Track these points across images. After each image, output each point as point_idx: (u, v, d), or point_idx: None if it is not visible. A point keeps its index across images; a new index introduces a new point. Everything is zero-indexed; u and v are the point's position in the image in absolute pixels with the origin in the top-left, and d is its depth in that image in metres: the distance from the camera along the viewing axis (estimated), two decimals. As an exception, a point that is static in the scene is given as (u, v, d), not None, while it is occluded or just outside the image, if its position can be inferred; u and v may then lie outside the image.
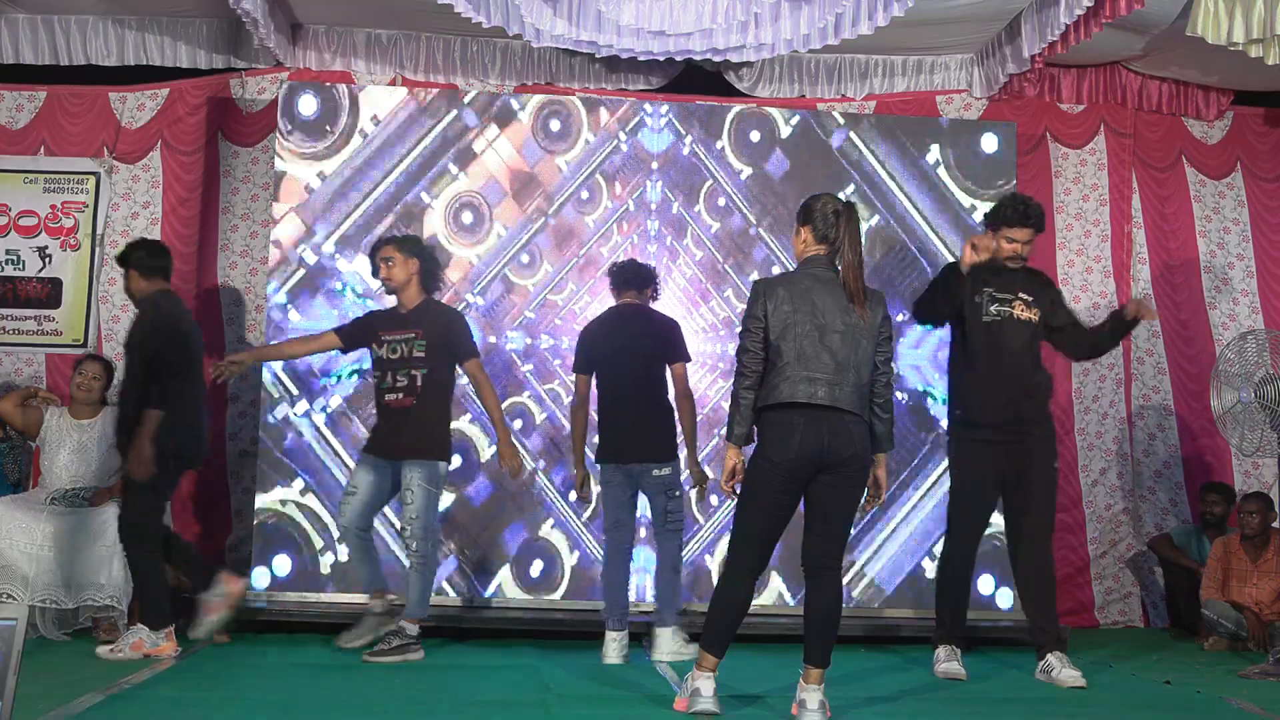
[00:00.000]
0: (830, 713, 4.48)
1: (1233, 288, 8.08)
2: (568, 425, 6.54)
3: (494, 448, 6.41)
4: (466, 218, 7.05)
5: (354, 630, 5.98)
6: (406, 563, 5.90)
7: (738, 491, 4.56)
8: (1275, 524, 6.91)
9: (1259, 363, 6.08)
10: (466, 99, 7.13)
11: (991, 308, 5.66)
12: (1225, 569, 6.91)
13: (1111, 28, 6.76)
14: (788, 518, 4.59)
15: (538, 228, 7.08)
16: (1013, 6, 7.08)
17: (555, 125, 7.14)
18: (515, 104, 7.17)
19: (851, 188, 7.24)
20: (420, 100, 7.09)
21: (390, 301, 6.17)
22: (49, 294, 7.52)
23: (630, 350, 6.00)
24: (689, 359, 6.09)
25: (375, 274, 6.04)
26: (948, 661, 5.65)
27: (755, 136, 7.26)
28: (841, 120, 7.35)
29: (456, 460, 6.34)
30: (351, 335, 6.08)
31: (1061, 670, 5.43)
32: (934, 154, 7.36)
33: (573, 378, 6.21)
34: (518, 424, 6.93)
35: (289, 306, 6.91)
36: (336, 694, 4.89)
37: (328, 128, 6.99)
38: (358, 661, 5.64)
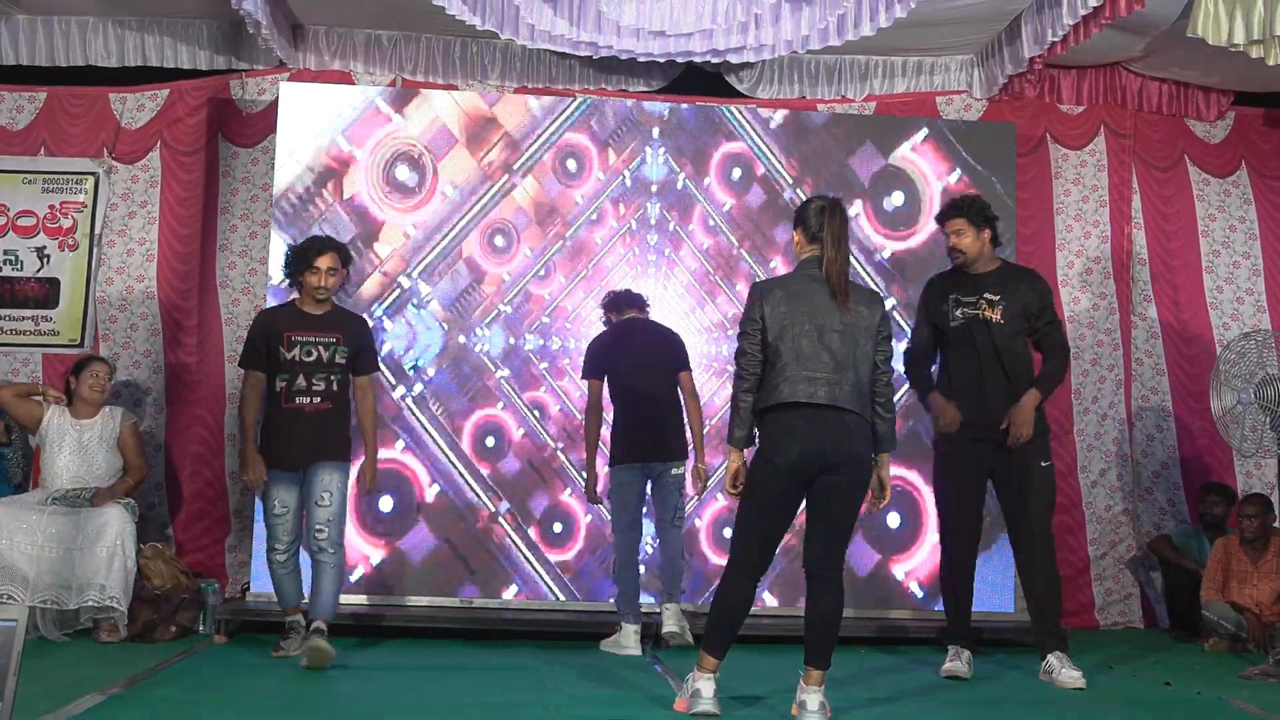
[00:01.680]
0: (830, 714, 4.49)
1: (1237, 286, 8.09)
2: (580, 416, 6.96)
3: (522, 430, 7.10)
4: (499, 241, 7.26)
5: (290, 642, 5.82)
6: (317, 564, 5.68)
7: (740, 493, 4.58)
8: (1275, 525, 6.92)
9: (1261, 363, 6.08)
10: (518, 165, 7.33)
11: (957, 312, 5.74)
12: (1225, 570, 6.92)
13: (1111, 29, 6.78)
14: (790, 519, 4.61)
15: (557, 249, 7.31)
16: (1013, 8, 7.09)
17: (572, 165, 7.36)
18: (547, 159, 7.38)
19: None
20: (486, 170, 7.30)
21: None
22: (46, 294, 7.53)
23: (648, 358, 6.41)
24: (691, 368, 6.54)
25: (299, 273, 5.75)
26: (951, 661, 5.68)
27: (737, 174, 7.40)
28: (788, 180, 7.45)
29: (491, 441, 7.07)
30: (262, 356, 5.74)
31: (1062, 671, 5.46)
32: (855, 207, 7.42)
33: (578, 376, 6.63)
34: (537, 413, 7.18)
35: (383, 318, 7.18)
36: (336, 695, 4.90)
37: (415, 189, 7.26)
38: (357, 663, 5.65)
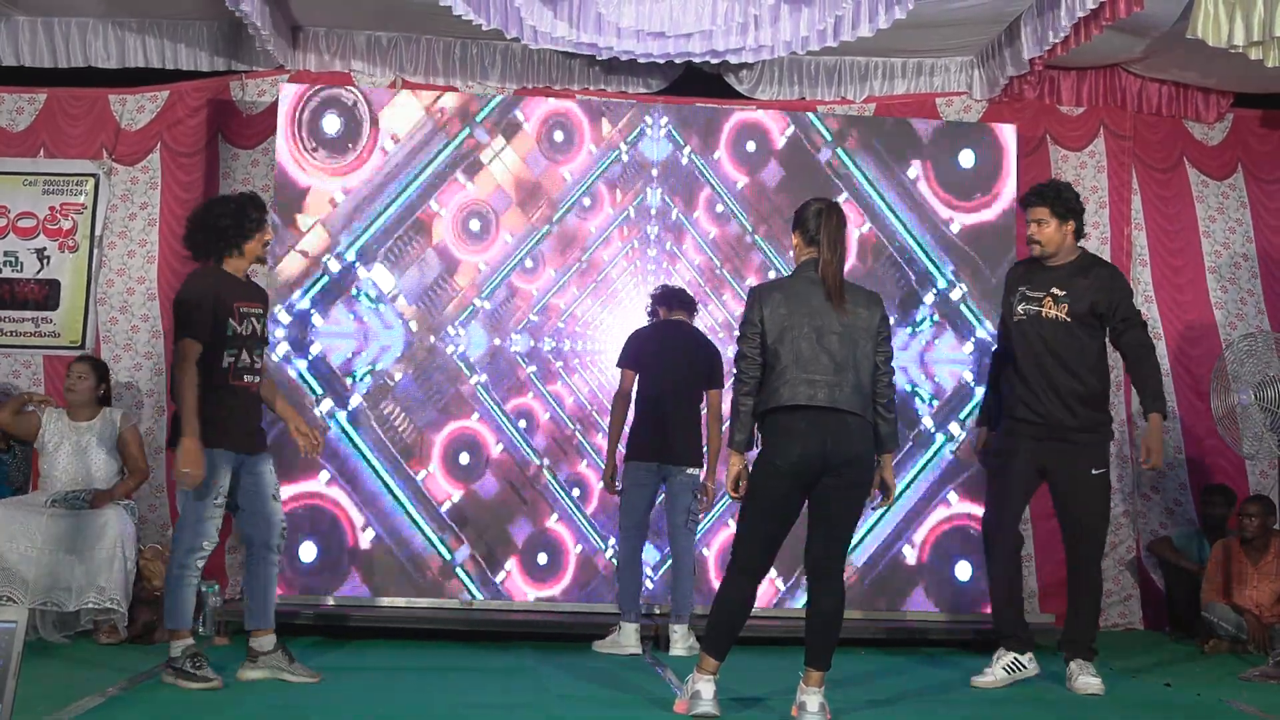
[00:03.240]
0: (830, 715, 4.48)
1: (1240, 287, 8.09)
2: (570, 425, 6.90)
3: (500, 445, 6.86)
4: (474, 225, 7.05)
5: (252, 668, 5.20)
6: (269, 564, 5.18)
7: (742, 496, 4.58)
8: (1276, 527, 6.91)
9: (1262, 364, 6.07)
10: (479, 116, 7.11)
11: (1019, 307, 5.56)
12: (1225, 572, 6.91)
13: (1111, 30, 6.77)
14: (792, 521, 4.60)
15: (542, 234, 7.10)
16: (1012, 9, 7.09)
17: (559, 136, 7.15)
18: (520, 115, 7.17)
19: (845, 196, 7.24)
20: (437, 120, 7.06)
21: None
22: (47, 296, 7.53)
23: (683, 362, 6.34)
24: (724, 387, 6.33)
25: (247, 236, 5.12)
26: (988, 670, 5.53)
27: (751, 146, 7.28)
28: (828, 137, 7.34)
29: (465, 458, 6.85)
30: (209, 327, 4.99)
31: (1078, 678, 5.36)
32: (914, 169, 7.37)
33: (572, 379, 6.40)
34: (522, 424, 6.97)
35: (312, 311, 6.93)
36: (337, 697, 4.89)
37: (350, 145, 7.00)
38: (357, 664, 5.65)
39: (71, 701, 4.51)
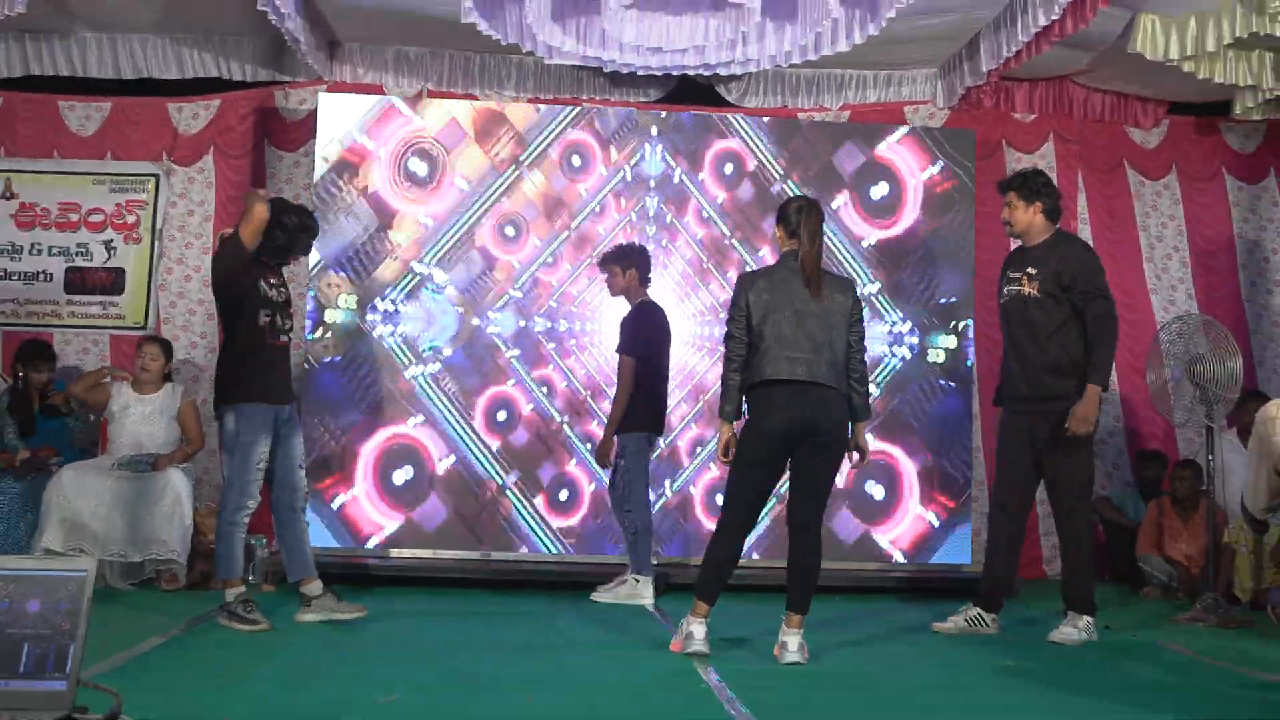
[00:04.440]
0: (808, 653, 4.49)
1: (1172, 276, 8.08)
2: (583, 391, 7.00)
3: (530, 405, 7.01)
4: (510, 231, 7.14)
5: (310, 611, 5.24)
6: (299, 522, 5.26)
7: (730, 461, 4.58)
8: (1203, 488, 6.91)
9: (1192, 344, 6.06)
10: (524, 158, 7.19)
11: (1005, 289, 5.44)
12: (1159, 527, 6.92)
13: (1060, 46, 6.74)
14: (775, 482, 4.62)
15: (563, 238, 7.20)
16: (972, 26, 7.05)
17: (576, 160, 7.25)
18: (552, 152, 7.25)
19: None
20: (493, 161, 7.15)
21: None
22: (113, 282, 7.52)
23: (667, 339, 6.27)
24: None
25: (292, 254, 5.31)
26: (953, 617, 5.46)
27: (729, 169, 7.33)
28: (778, 174, 7.34)
29: (502, 415, 7.01)
30: (248, 269, 5.08)
31: (1058, 628, 5.25)
32: (839, 199, 7.34)
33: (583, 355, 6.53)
34: (544, 389, 7.08)
35: (397, 303, 7.02)
36: (370, 635, 4.90)
37: (429, 180, 7.10)
38: (394, 610, 5.63)
39: (138, 641, 4.52)
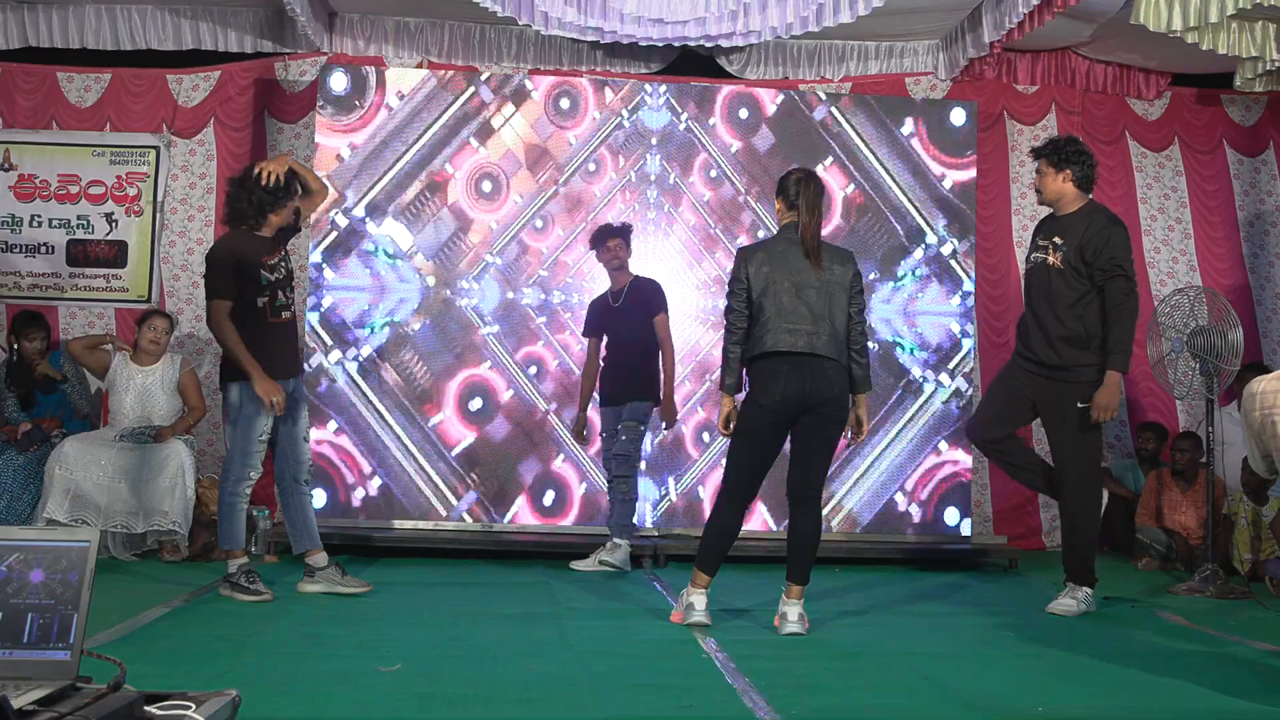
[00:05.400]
0: (808, 624, 4.50)
1: (1172, 248, 8.06)
2: (577, 372, 6.80)
3: (510, 391, 6.80)
4: (486, 186, 6.98)
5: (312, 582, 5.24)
6: (304, 495, 5.22)
7: (731, 432, 4.58)
8: (1202, 460, 6.91)
9: (1193, 315, 6.05)
10: (484, 76, 7.04)
11: (1031, 255, 5.37)
12: (1158, 498, 6.93)
13: (1063, 16, 6.71)
14: (775, 454, 4.61)
15: (549, 196, 7.00)
16: (974, -3, 7.03)
17: (565, 103, 7.07)
18: (529, 84, 7.09)
19: (830, 159, 7.18)
20: (440, 79, 6.99)
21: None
22: (116, 255, 7.50)
23: None
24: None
25: (275, 208, 5.11)
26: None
27: (744, 114, 7.20)
28: (823, 97, 7.28)
29: (478, 402, 6.70)
30: (234, 285, 4.99)
31: (1057, 600, 5.24)
32: (908, 126, 7.27)
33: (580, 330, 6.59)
34: (532, 370, 6.91)
35: (324, 265, 6.85)
36: (372, 606, 4.92)
37: (357, 103, 6.88)
38: (395, 580, 5.65)
39: (140, 611, 4.54)
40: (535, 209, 6.96)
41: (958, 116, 7.30)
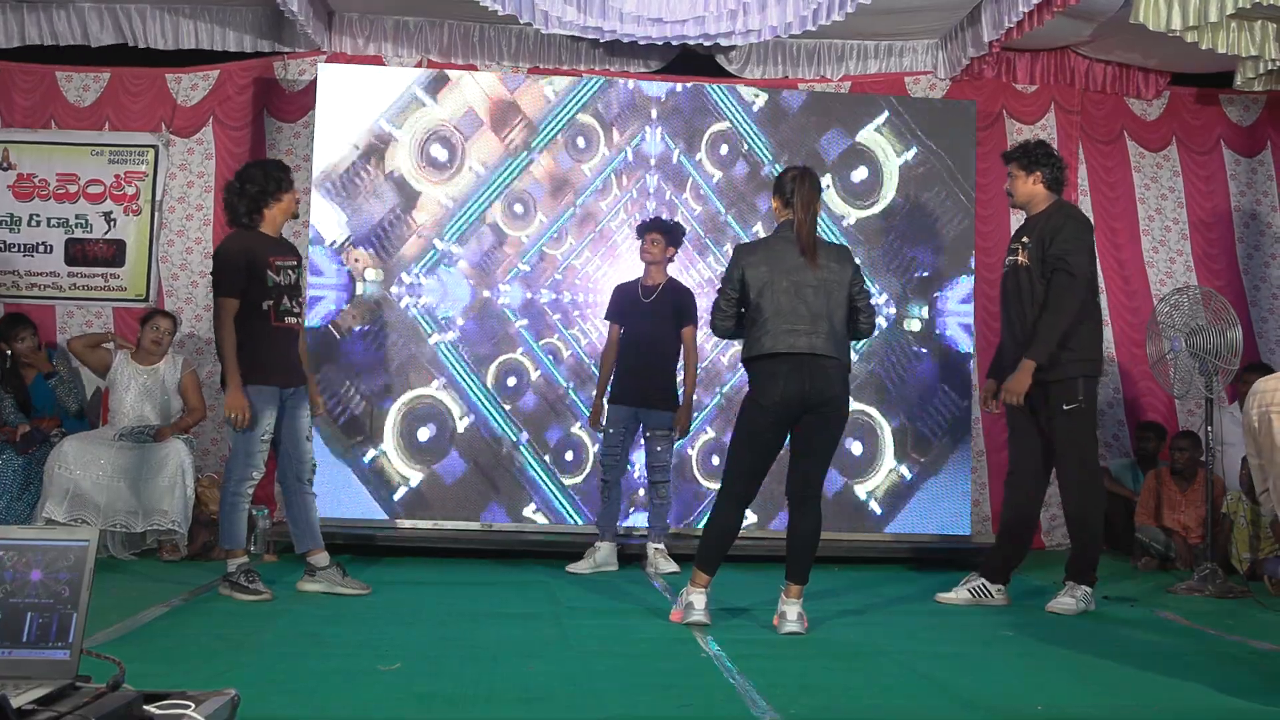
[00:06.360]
0: (807, 623, 4.50)
1: (1170, 248, 8.06)
2: (586, 360, 7.08)
3: (538, 372, 7.08)
4: (518, 209, 7.20)
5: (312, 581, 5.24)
6: (306, 496, 5.21)
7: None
8: (1201, 459, 6.92)
9: (1193, 315, 6.05)
10: (535, 146, 7.25)
11: (1006, 259, 5.39)
12: (1157, 498, 6.93)
13: (1062, 15, 6.71)
14: (775, 454, 4.61)
15: (568, 214, 7.21)
16: (974, -4, 7.03)
17: (581, 142, 7.30)
18: (560, 139, 7.29)
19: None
20: (508, 147, 7.24)
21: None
22: (114, 254, 7.49)
23: None
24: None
25: (274, 197, 5.10)
26: (956, 589, 5.42)
27: (724, 150, 7.33)
28: (770, 157, 7.39)
29: (511, 380, 7.06)
30: (242, 284, 5.01)
31: (1056, 598, 5.25)
32: (825, 180, 7.32)
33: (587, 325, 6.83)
34: (550, 357, 7.13)
35: (420, 275, 7.10)
36: (372, 606, 4.92)
37: (449, 165, 7.15)
38: (392, 578, 5.66)
39: (140, 610, 4.54)
40: (556, 225, 7.22)
41: (860, 173, 7.38)
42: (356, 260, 7.01)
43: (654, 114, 7.30)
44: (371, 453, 6.90)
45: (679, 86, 7.39)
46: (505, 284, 7.13)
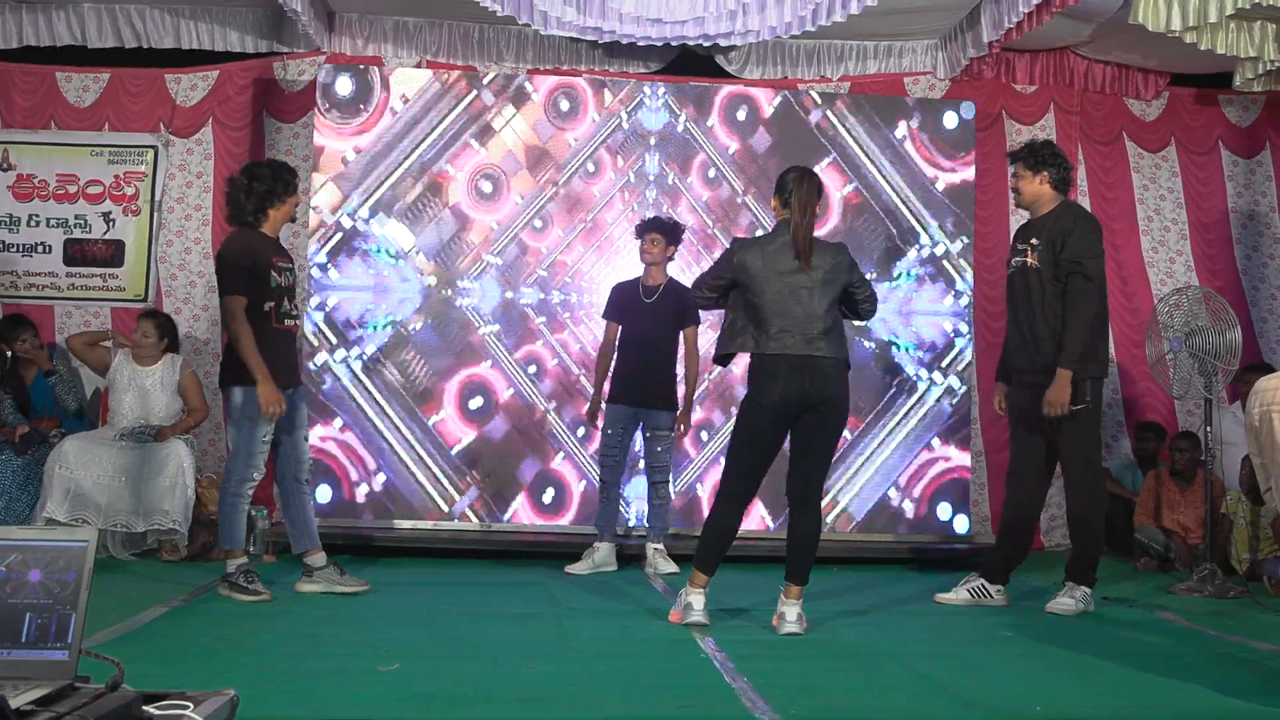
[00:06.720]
0: (807, 624, 4.50)
1: (1169, 248, 8.07)
2: (575, 370, 6.89)
3: (510, 390, 6.77)
4: (486, 187, 6.97)
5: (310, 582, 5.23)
6: (303, 494, 5.21)
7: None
8: (1201, 459, 6.91)
9: (1193, 315, 6.05)
10: (486, 79, 7.04)
11: (1011, 260, 5.37)
12: (1156, 498, 6.92)
13: (1062, 16, 6.71)
14: (774, 454, 4.61)
15: (549, 197, 7.00)
16: (973, -3, 7.03)
17: (565, 105, 7.06)
18: (529, 86, 7.09)
19: (828, 160, 7.18)
20: (443, 82, 6.99)
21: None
22: (113, 254, 7.49)
23: None
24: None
25: (280, 199, 5.11)
26: (956, 589, 5.42)
27: (742, 115, 7.20)
28: (819, 100, 7.29)
29: (478, 400, 6.69)
30: (248, 281, 4.97)
31: (1055, 598, 5.25)
32: (901, 129, 7.29)
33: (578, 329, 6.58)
34: (532, 369, 6.91)
35: (329, 266, 6.86)
36: (372, 606, 4.91)
37: (361, 106, 6.89)
38: (395, 580, 5.65)
39: (139, 611, 4.53)
40: (535, 209, 6.94)
41: (950, 120, 7.33)
42: (420, 269, 6.81)
43: (652, 142, 7.07)
44: (435, 416, 6.72)
45: (682, 118, 7.13)
46: (470, 279, 6.86)
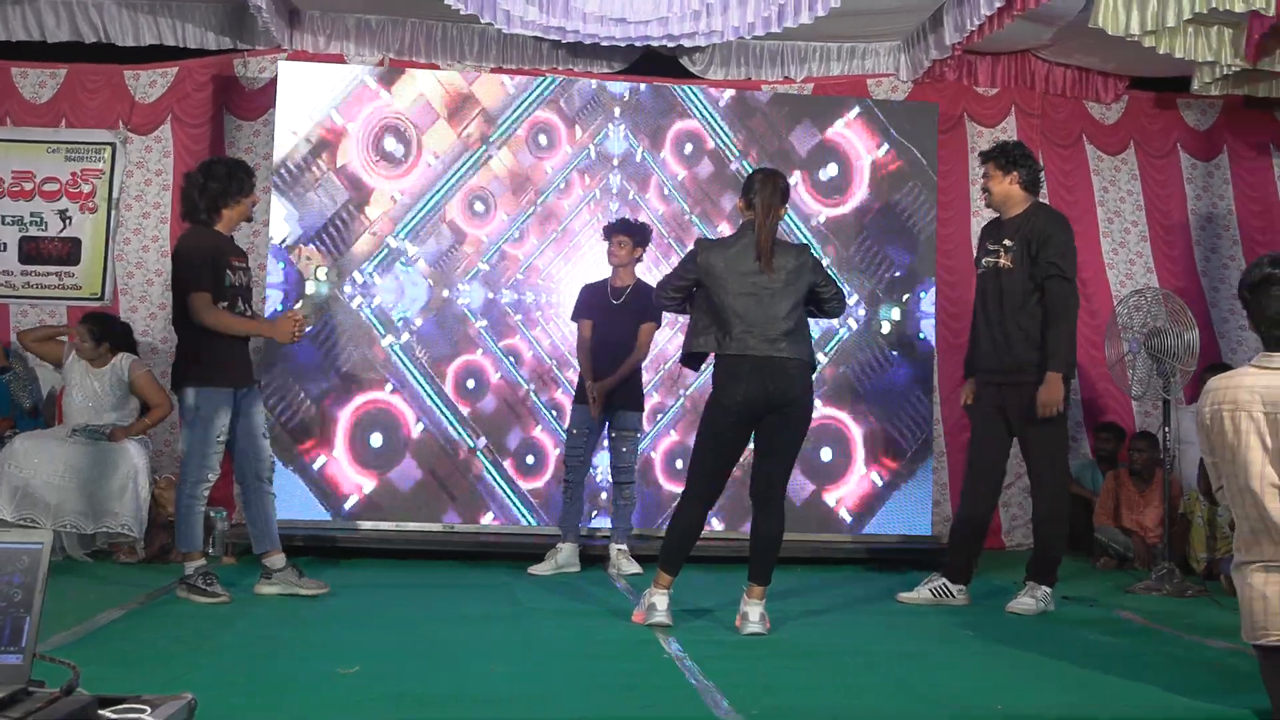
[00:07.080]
0: (770, 624, 4.51)
1: (1129, 250, 8.15)
2: (548, 360, 7.14)
3: (499, 374, 7.06)
4: (479, 207, 7.03)
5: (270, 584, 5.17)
6: (264, 495, 5.14)
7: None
8: (1159, 459, 6.99)
9: (1152, 316, 6.11)
10: (491, 137, 7.24)
11: (982, 260, 5.39)
12: (1115, 498, 6.99)
13: (1023, 19, 6.77)
14: (738, 454, 4.62)
15: (529, 214, 7.20)
16: (935, 0, 7.05)
17: (543, 140, 7.29)
18: (520, 133, 7.29)
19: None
20: (465, 140, 7.22)
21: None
22: (69, 252, 7.41)
23: None
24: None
25: (237, 198, 5.04)
26: (919, 587, 5.46)
27: (688, 149, 7.36)
28: (736, 154, 7.42)
29: (471, 383, 7.11)
30: (210, 278, 4.93)
31: (1016, 598, 5.28)
32: (795, 176, 7.36)
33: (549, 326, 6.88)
34: (512, 359, 7.14)
35: (373, 273, 7.11)
36: (332, 609, 4.88)
37: (404, 161, 7.14)
38: (355, 582, 5.62)
39: (96, 614, 4.48)
40: (517, 224, 7.21)
41: (830, 170, 7.42)
42: (308, 258, 6.97)
43: (617, 111, 7.32)
44: (322, 459, 6.88)
45: (642, 86, 7.41)
46: (464, 283, 7.11)
